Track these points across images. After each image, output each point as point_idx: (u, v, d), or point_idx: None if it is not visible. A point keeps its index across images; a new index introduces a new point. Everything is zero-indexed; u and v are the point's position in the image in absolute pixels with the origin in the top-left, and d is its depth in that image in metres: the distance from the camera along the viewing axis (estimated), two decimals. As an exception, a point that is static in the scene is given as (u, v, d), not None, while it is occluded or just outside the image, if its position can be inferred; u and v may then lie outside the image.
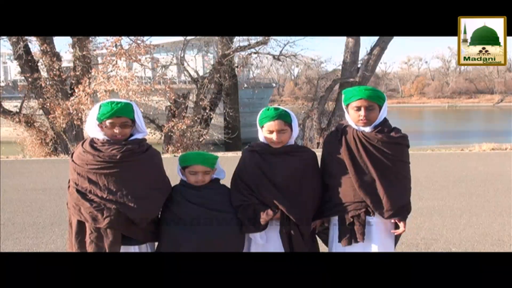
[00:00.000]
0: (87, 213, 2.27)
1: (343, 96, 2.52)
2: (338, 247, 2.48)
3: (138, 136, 2.44)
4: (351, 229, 2.42)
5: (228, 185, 2.58)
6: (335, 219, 2.51)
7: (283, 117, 2.45)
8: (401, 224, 2.43)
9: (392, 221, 2.44)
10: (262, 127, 2.50)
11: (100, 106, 2.36)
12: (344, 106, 2.53)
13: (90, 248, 2.30)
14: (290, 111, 2.52)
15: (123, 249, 2.37)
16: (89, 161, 2.32)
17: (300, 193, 2.45)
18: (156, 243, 2.52)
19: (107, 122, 2.33)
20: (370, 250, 2.43)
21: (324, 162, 2.56)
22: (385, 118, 2.50)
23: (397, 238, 2.55)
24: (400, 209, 2.44)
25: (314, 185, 2.51)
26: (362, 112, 2.41)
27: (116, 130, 2.34)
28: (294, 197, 2.43)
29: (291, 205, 2.41)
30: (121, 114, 2.33)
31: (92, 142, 2.37)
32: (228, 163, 2.66)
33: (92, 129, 2.39)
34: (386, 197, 2.38)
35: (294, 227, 2.42)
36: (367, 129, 2.46)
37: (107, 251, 2.29)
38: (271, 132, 2.45)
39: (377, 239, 2.44)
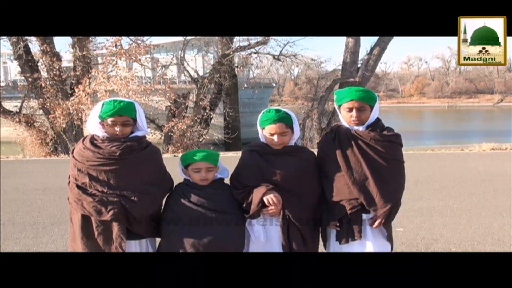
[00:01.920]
0: (90, 207, 2.29)
1: (335, 97, 2.54)
2: (335, 246, 2.49)
3: (138, 133, 2.45)
4: (348, 227, 2.43)
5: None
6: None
7: (284, 120, 2.44)
8: (378, 220, 2.41)
9: (371, 216, 2.43)
10: (263, 128, 2.49)
11: (103, 104, 2.37)
12: (336, 107, 2.56)
13: (99, 239, 2.33)
14: (291, 113, 2.51)
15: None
16: (89, 158, 2.34)
17: (300, 193, 2.44)
18: (157, 239, 2.53)
19: (109, 120, 2.35)
20: (366, 248, 2.44)
21: (320, 163, 2.57)
22: (377, 118, 2.52)
23: (390, 237, 2.53)
24: (393, 208, 2.44)
25: (314, 185, 2.51)
26: (353, 113, 2.44)
27: (117, 129, 2.35)
28: (294, 197, 2.43)
29: (291, 205, 2.41)
30: (123, 113, 2.34)
31: (93, 139, 2.39)
32: (228, 163, 2.66)
33: (93, 127, 2.41)
34: (379, 195, 2.40)
35: (293, 227, 2.42)
36: (360, 128, 2.48)
37: (114, 242, 2.32)
38: (272, 134, 2.45)
39: (373, 236, 2.45)
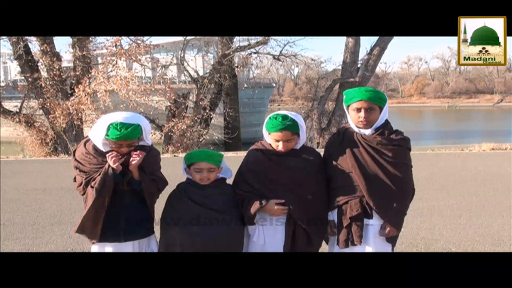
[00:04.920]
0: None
1: (344, 97, 2.52)
2: (336, 249, 2.48)
3: (141, 143, 2.49)
4: (349, 231, 2.41)
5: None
6: (336, 221, 2.51)
7: (291, 128, 2.42)
8: (389, 227, 2.41)
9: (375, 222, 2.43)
10: (269, 133, 2.49)
11: (109, 127, 2.35)
12: (345, 107, 2.53)
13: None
14: (299, 118, 2.48)
15: (123, 246, 2.41)
16: (92, 162, 2.39)
17: (304, 193, 2.44)
18: (152, 238, 2.55)
19: (114, 143, 2.37)
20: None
21: (325, 163, 2.55)
22: (386, 120, 2.49)
23: (394, 241, 2.53)
24: (398, 214, 2.44)
25: (318, 185, 2.50)
26: (362, 114, 2.41)
27: (123, 149, 2.39)
28: (298, 197, 2.43)
29: (293, 205, 2.41)
30: (129, 138, 2.36)
31: (96, 147, 2.42)
32: (228, 163, 2.66)
33: (99, 143, 2.40)
34: (390, 201, 2.39)
35: (298, 228, 2.43)
36: (368, 132, 2.45)
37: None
38: (277, 140, 2.45)
39: (375, 242, 2.43)
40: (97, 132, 2.39)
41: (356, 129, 2.48)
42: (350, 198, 2.43)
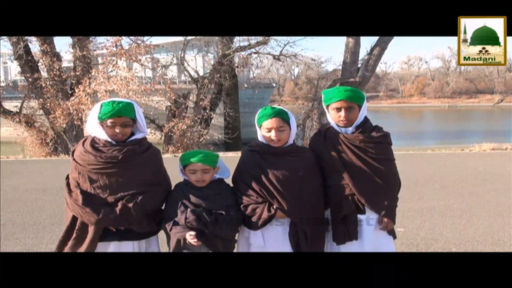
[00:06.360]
0: (85, 212, 2.36)
1: (323, 96, 2.57)
2: (333, 246, 2.50)
3: (138, 136, 2.46)
4: (344, 228, 2.45)
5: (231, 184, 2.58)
6: (330, 219, 2.53)
7: (281, 115, 2.46)
8: (386, 220, 2.47)
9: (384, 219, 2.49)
10: (260, 126, 2.50)
11: (102, 106, 2.37)
12: (324, 106, 2.59)
13: (74, 241, 2.43)
14: (288, 110, 2.53)
15: (121, 245, 2.40)
16: (90, 161, 2.35)
17: (300, 193, 2.44)
18: (159, 240, 2.54)
19: (108, 121, 2.35)
20: (364, 248, 2.45)
21: None
22: (365, 118, 2.55)
23: (393, 234, 2.57)
24: (391, 207, 2.49)
25: (315, 185, 2.50)
26: (342, 113, 2.47)
27: (117, 130, 2.36)
28: (294, 197, 2.42)
29: (291, 206, 2.41)
30: (122, 114, 2.35)
31: (93, 143, 2.40)
32: (228, 163, 2.66)
33: (93, 128, 2.41)
34: (380, 196, 2.45)
35: (299, 228, 2.43)
36: (349, 131, 2.51)
37: (84, 246, 2.35)
38: (269, 130, 2.45)
39: (371, 237, 2.46)
40: (91, 118, 2.39)
41: (337, 128, 2.54)
42: (342, 196, 2.47)
